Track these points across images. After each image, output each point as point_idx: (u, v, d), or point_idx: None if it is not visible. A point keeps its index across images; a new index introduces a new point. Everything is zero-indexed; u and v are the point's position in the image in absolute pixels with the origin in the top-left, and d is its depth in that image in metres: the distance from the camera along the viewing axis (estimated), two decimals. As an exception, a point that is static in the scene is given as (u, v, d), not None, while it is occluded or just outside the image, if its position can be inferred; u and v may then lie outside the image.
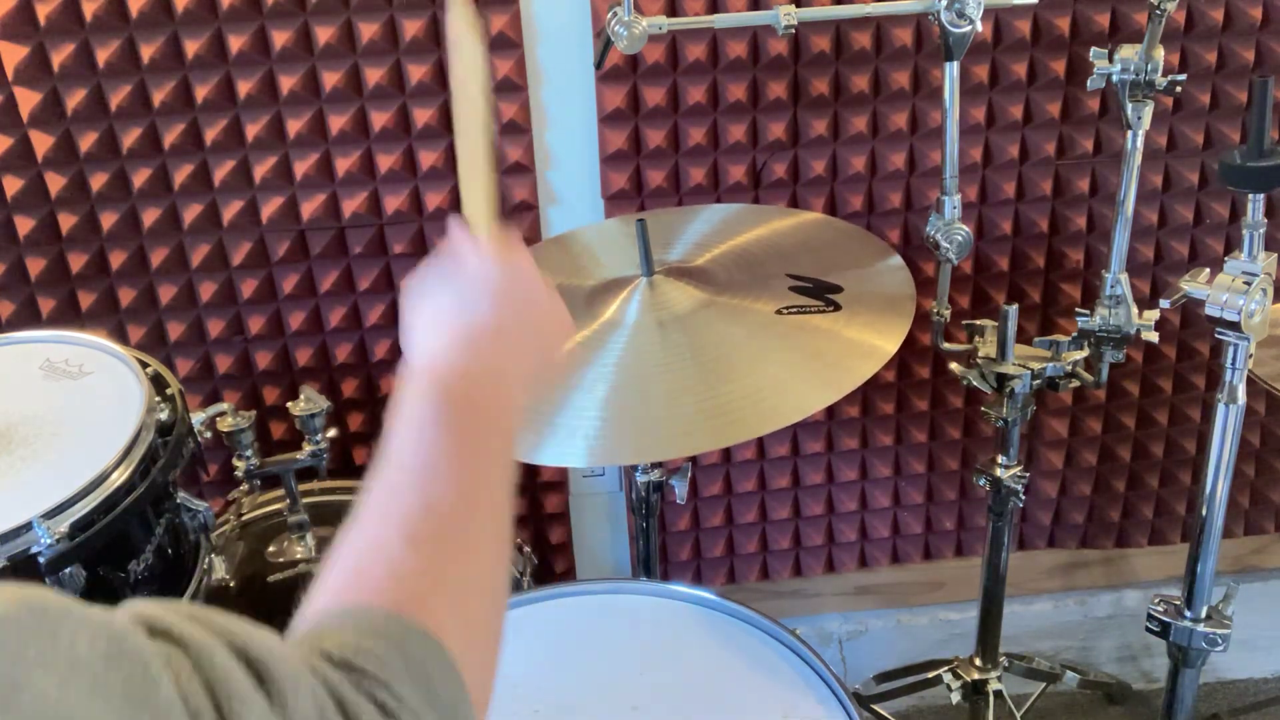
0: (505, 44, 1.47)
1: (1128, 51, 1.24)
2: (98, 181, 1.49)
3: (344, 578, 0.57)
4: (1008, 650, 1.68)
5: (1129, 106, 1.27)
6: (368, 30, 1.44)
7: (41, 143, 1.45)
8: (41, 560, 1.01)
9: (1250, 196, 1.11)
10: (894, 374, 1.76)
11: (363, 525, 0.60)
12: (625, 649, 1.17)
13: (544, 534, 1.82)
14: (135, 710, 0.40)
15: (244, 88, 1.46)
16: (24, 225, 1.50)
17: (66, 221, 1.51)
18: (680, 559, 1.88)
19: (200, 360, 1.63)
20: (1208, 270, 1.16)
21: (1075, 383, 1.41)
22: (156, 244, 1.55)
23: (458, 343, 0.71)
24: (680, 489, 1.42)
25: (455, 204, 1.56)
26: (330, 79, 1.47)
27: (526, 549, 1.59)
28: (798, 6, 1.29)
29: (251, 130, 1.49)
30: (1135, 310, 1.36)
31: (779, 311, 1.21)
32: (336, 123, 1.50)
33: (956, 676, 1.68)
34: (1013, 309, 1.37)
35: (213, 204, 1.54)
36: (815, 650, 1.12)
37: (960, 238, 1.36)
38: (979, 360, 1.43)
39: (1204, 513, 1.28)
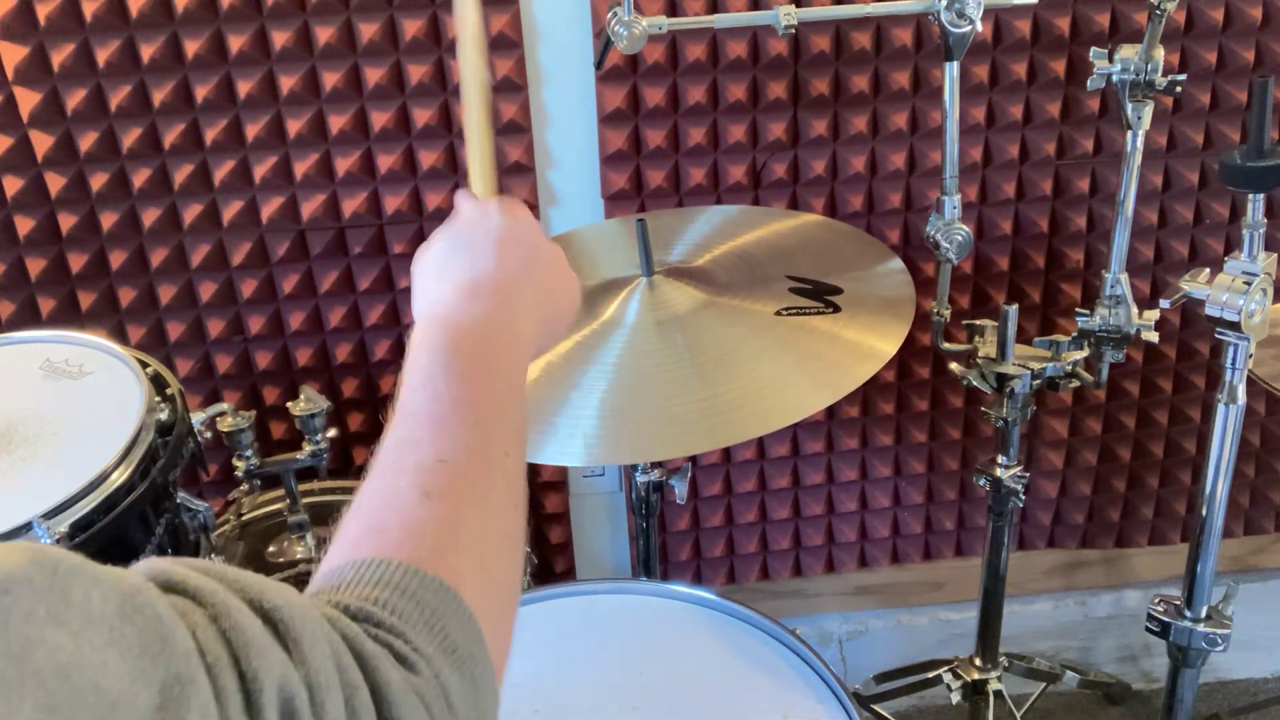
0: (505, 44, 1.47)
1: (1128, 51, 1.24)
2: (98, 181, 1.49)
3: (359, 531, 0.57)
4: (1008, 650, 1.68)
5: (1129, 106, 1.27)
6: (368, 30, 1.44)
7: (41, 143, 1.45)
8: (41, 560, 1.01)
9: (1250, 196, 1.11)
10: (894, 374, 1.76)
11: (376, 479, 0.60)
12: (625, 649, 1.17)
13: (544, 534, 1.82)
14: (153, 661, 0.39)
15: (244, 88, 1.46)
16: (24, 225, 1.50)
17: (66, 221, 1.51)
18: (680, 559, 1.88)
19: (200, 360, 1.63)
20: (1208, 270, 1.16)
21: (1075, 383, 1.41)
22: (156, 244, 1.55)
23: (463, 294, 0.71)
24: (680, 489, 1.42)
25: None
26: (330, 79, 1.47)
27: (527, 549, 1.59)
28: (798, 6, 1.29)
29: (251, 130, 1.49)
30: (1135, 310, 1.36)
31: (778, 313, 1.21)
32: (336, 123, 1.50)
33: (956, 676, 1.68)
34: (1013, 309, 1.37)
35: (213, 204, 1.54)
36: (815, 650, 1.12)
37: (960, 238, 1.36)
38: (979, 360, 1.43)
39: (1204, 513, 1.28)
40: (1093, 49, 1.25)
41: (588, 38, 1.50)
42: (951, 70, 1.29)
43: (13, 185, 1.47)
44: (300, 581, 0.95)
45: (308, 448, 1.44)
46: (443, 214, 1.55)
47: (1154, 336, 1.36)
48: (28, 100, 1.42)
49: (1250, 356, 1.19)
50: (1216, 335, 1.17)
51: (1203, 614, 1.33)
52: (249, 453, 1.43)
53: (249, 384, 1.66)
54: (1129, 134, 1.29)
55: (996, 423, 1.45)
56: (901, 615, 2.02)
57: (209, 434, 1.31)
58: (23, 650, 0.36)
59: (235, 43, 1.43)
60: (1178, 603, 1.34)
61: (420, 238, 1.57)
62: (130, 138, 1.47)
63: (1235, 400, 1.21)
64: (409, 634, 0.50)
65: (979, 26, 1.25)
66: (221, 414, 1.37)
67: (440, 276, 0.74)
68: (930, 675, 1.73)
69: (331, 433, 1.46)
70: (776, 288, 1.25)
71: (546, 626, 1.20)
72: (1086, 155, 1.62)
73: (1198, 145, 1.61)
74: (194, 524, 1.24)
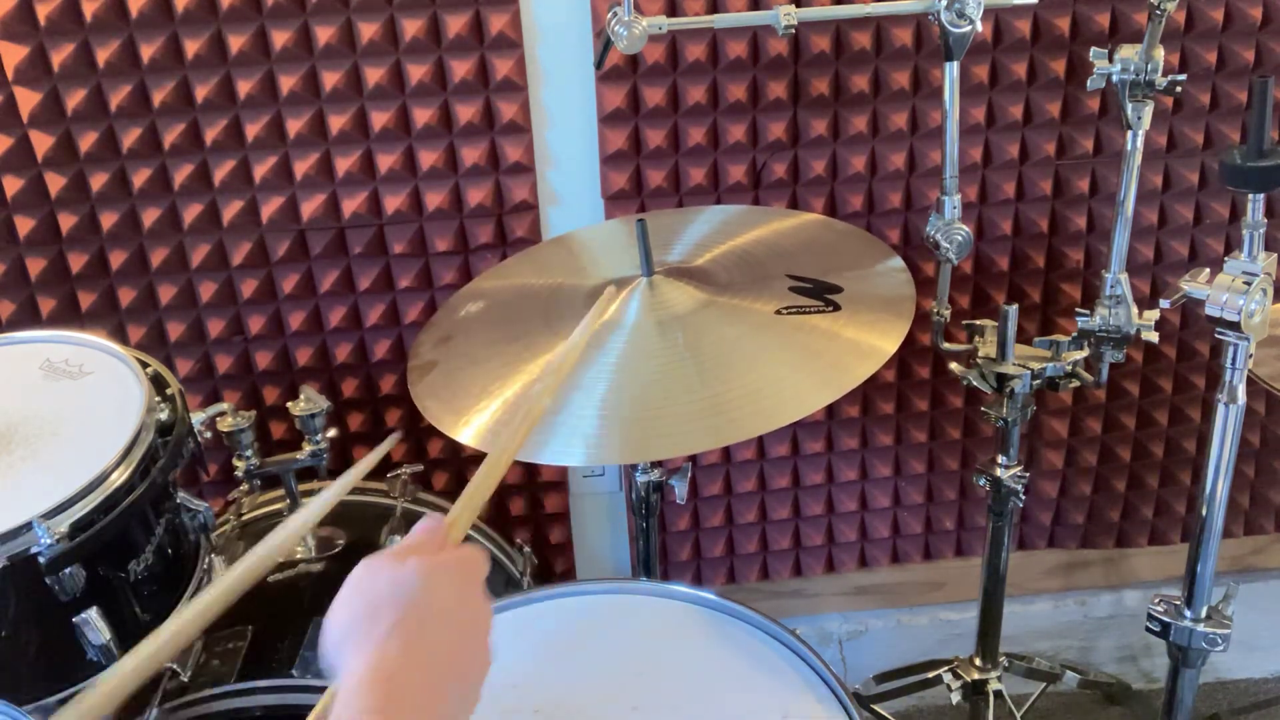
0: (505, 44, 1.47)
1: (1128, 51, 1.24)
2: (98, 181, 1.49)
3: None
4: (1008, 650, 1.68)
5: (1129, 106, 1.27)
6: (368, 30, 1.44)
7: (41, 143, 1.45)
8: (41, 560, 1.01)
9: (1250, 196, 1.11)
10: (894, 374, 1.76)
11: None
12: (625, 649, 1.17)
13: (544, 534, 1.82)
14: None
15: (244, 88, 1.46)
16: (24, 225, 1.50)
17: (66, 221, 1.51)
18: (680, 559, 1.88)
19: (200, 360, 1.63)
20: (1208, 270, 1.16)
21: (1075, 383, 1.42)
22: (156, 244, 1.55)
23: (351, 686, 0.71)
24: (680, 489, 1.42)
25: (455, 204, 1.57)
26: (330, 79, 1.47)
27: (526, 549, 1.59)
28: (798, 6, 1.29)
29: (251, 130, 1.49)
30: (1135, 310, 1.36)
31: (779, 312, 1.20)
32: (336, 123, 1.50)
33: (956, 676, 1.68)
34: (1013, 309, 1.37)
35: (213, 204, 1.54)
36: (815, 650, 1.12)
37: (960, 238, 1.36)
38: (979, 360, 1.43)
39: (1204, 513, 1.28)
40: (1093, 49, 1.25)
41: (588, 38, 1.50)
42: (951, 70, 1.29)
43: (13, 185, 1.47)
44: (301, 581, 0.94)
45: (308, 448, 1.44)
46: (442, 214, 1.56)
47: (1154, 336, 1.36)
48: (28, 100, 1.42)
49: (1250, 356, 1.19)
50: (1216, 335, 1.17)
51: (1203, 614, 1.32)
52: (249, 453, 1.43)
53: (249, 384, 1.66)
54: (1129, 134, 1.29)
55: (996, 423, 1.45)
56: (901, 615, 2.02)
57: (209, 434, 1.31)
58: None
59: (235, 43, 1.43)
60: (1178, 603, 1.34)
61: (420, 237, 1.58)
62: (130, 138, 1.47)
63: (1235, 400, 1.21)
64: None
65: (979, 26, 1.25)
66: (221, 414, 1.37)
67: (350, 641, 0.74)
68: (930, 675, 1.73)
69: (331, 433, 1.45)
70: (776, 287, 1.25)
71: (546, 626, 1.20)
72: (1086, 155, 1.62)
73: (1198, 145, 1.61)
74: (194, 524, 1.24)
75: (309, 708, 0.76)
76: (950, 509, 1.89)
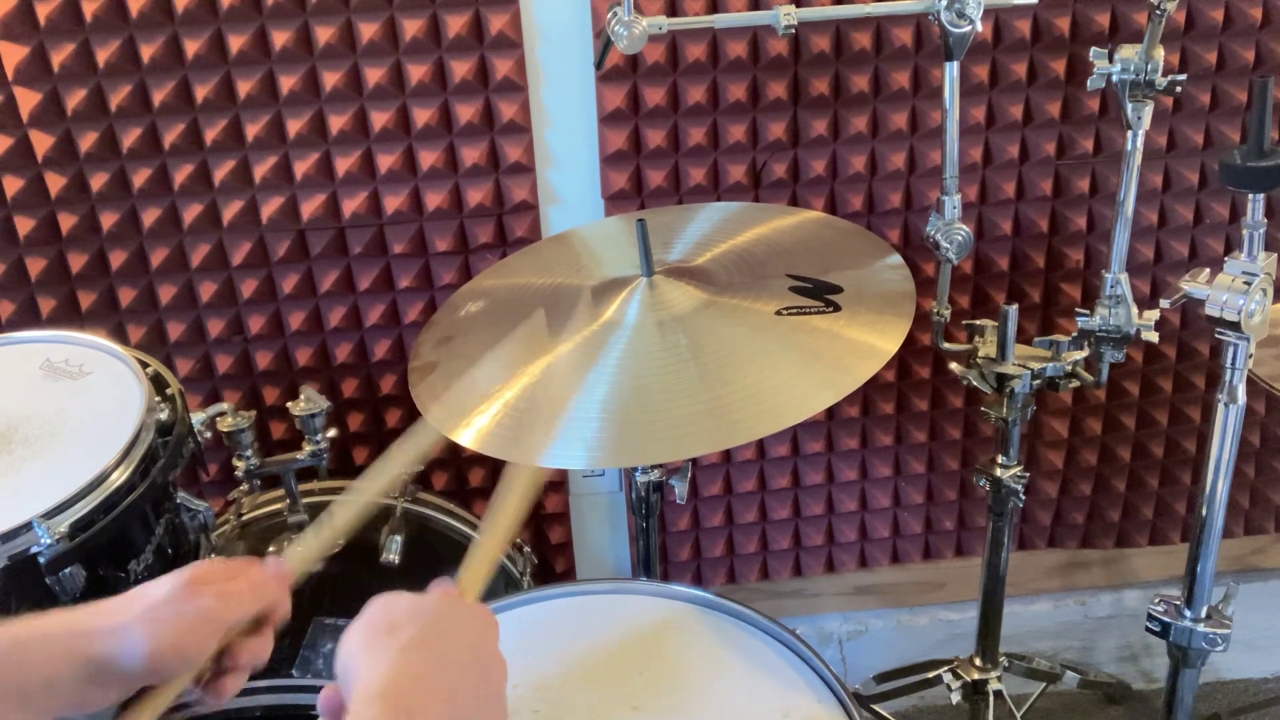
0: (505, 44, 1.47)
1: (1128, 51, 1.24)
2: (98, 181, 1.49)
3: None
4: (1008, 650, 1.68)
5: (1129, 106, 1.27)
6: (368, 30, 1.44)
7: (41, 143, 1.45)
8: (41, 560, 1.01)
9: (1250, 196, 1.11)
10: (894, 374, 1.76)
11: None
12: (625, 649, 1.17)
13: (544, 534, 1.82)
14: None
15: (244, 88, 1.46)
16: (24, 225, 1.50)
17: (66, 221, 1.51)
18: (680, 559, 1.88)
19: (200, 360, 1.63)
20: (1208, 270, 1.16)
21: (1075, 383, 1.42)
22: (156, 244, 1.55)
23: (377, 688, 0.71)
24: (680, 489, 1.42)
25: (455, 204, 1.57)
26: (330, 79, 1.47)
27: (526, 549, 1.59)
28: (798, 6, 1.29)
29: (251, 130, 1.49)
30: (1135, 310, 1.36)
31: (779, 312, 1.20)
32: (336, 123, 1.50)
33: (956, 676, 1.68)
34: (1013, 309, 1.37)
35: (213, 204, 1.54)
36: (815, 650, 1.12)
37: (960, 238, 1.36)
38: (979, 360, 1.43)
39: (1204, 513, 1.28)
40: (1093, 49, 1.25)
41: (588, 38, 1.50)
42: (951, 70, 1.29)
43: (13, 185, 1.47)
44: (301, 581, 0.95)
45: (308, 448, 1.43)
46: (442, 214, 1.56)
47: (1154, 336, 1.36)
48: (28, 100, 1.42)
49: (1250, 356, 1.19)
50: (1216, 335, 1.17)
51: (1203, 614, 1.32)
52: (249, 453, 1.43)
53: (249, 384, 1.66)
54: (1129, 134, 1.29)
55: (996, 423, 1.45)
56: (901, 615, 2.02)
57: (209, 434, 1.31)
58: None
59: (235, 43, 1.43)
60: (1178, 603, 1.34)
61: (420, 237, 1.58)
62: (130, 138, 1.47)
63: (1235, 400, 1.21)
64: None
65: (979, 26, 1.25)
66: (221, 414, 1.37)
67: (369, 659, 0.74)
68: (930, 675, 1.73)
69: (331, 433, 1.45)
70: (777, 287, 1.25)
71: (546, 626, 1.20)
72: (1086, 155, 1.62)
73: (1198, 145, 1.61)
74: (194, 524, 1.24)
75: (309, 708, 0.77)
76: (950, 509, 1.89)
